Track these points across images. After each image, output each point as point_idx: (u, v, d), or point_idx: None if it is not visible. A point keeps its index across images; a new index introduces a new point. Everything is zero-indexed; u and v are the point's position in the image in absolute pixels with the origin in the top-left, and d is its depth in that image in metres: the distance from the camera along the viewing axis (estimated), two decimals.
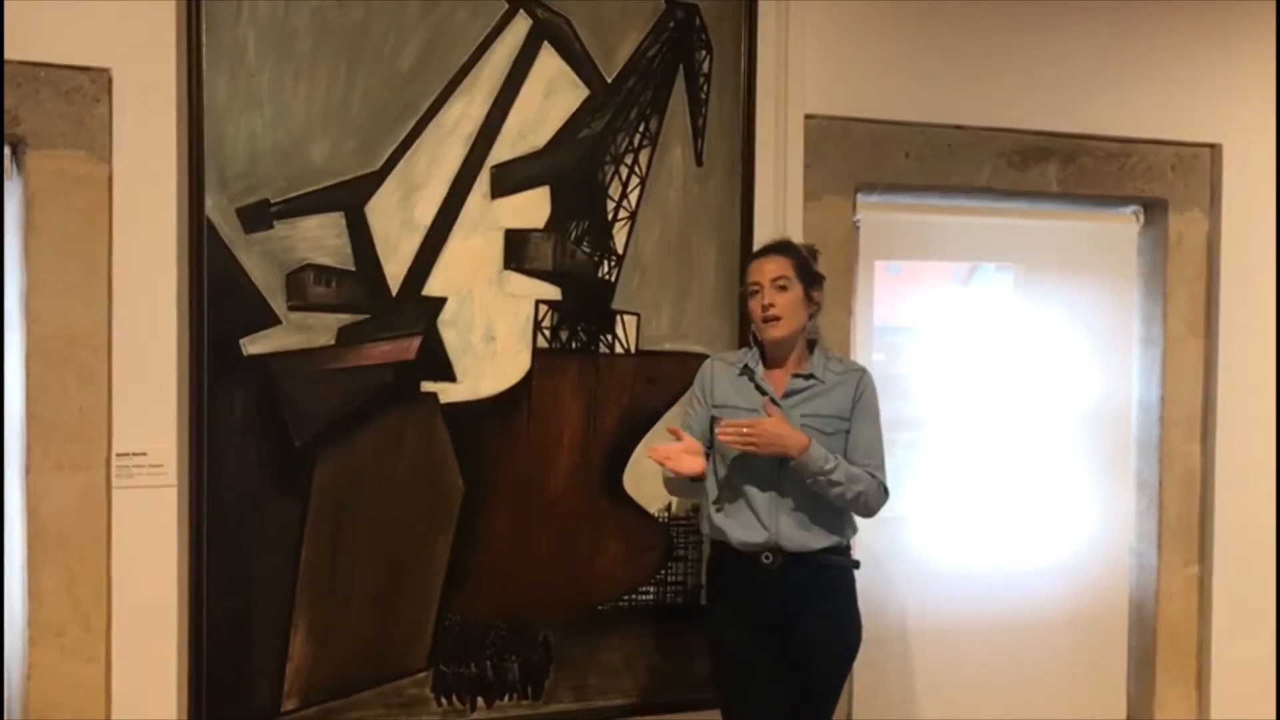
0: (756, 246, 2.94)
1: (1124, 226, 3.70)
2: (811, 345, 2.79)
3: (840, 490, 2.62)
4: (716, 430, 2.63)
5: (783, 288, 2.70)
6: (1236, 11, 3.62)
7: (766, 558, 2.67)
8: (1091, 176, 3.52)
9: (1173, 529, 3.66)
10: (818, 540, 2.68)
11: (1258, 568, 3.69)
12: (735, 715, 2.74)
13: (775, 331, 2.70)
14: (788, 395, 2.71)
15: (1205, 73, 3.60)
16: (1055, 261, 3.63)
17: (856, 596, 2.79)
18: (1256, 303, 3.66)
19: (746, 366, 2.76)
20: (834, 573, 2.73)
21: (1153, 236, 3.68)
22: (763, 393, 2.71)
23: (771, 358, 2.77)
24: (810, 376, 2.73)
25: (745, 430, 2.55)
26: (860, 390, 2.74)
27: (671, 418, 3.00)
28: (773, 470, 2.66)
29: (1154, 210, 3.66)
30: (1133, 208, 3.69)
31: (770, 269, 2.72)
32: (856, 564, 2.79)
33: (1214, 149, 3.64)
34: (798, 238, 2.98)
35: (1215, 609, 3.67)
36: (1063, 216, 3.61)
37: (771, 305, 2.69)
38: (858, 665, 3.28)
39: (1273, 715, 3.72)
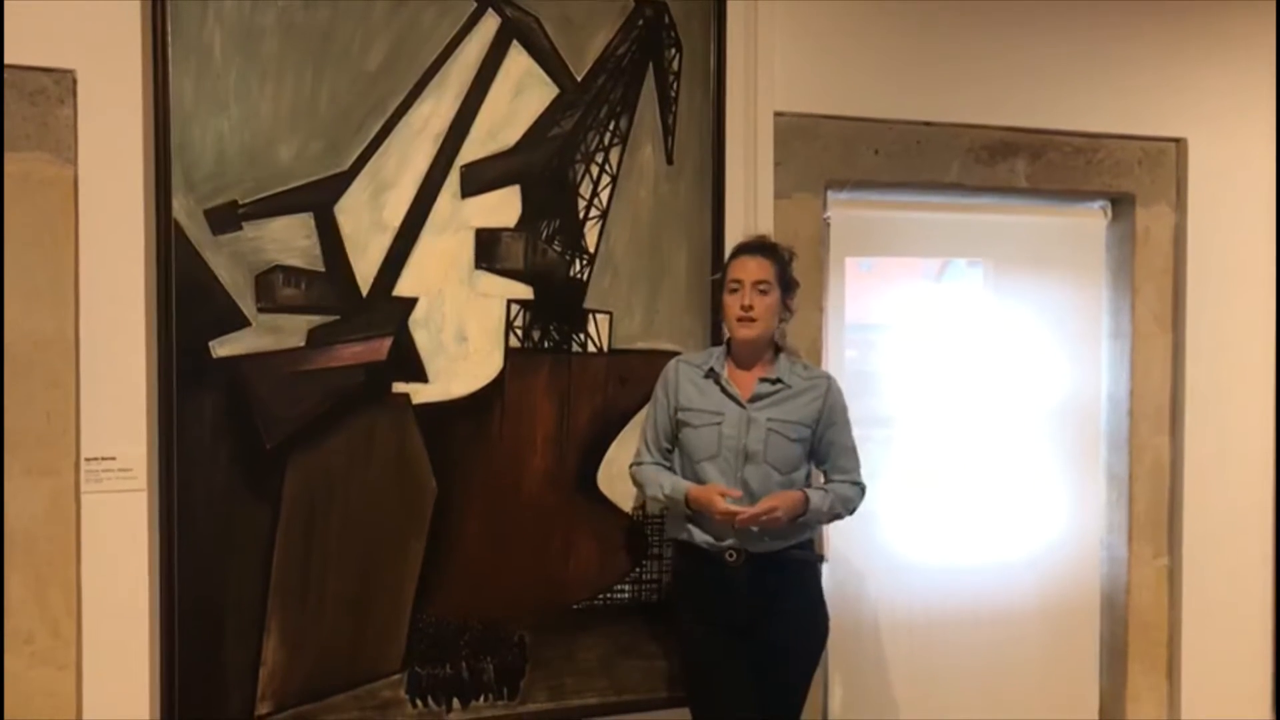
0: (731, 243, 2.94)
1: (1092, 221, 3.73)
2: (777, 349, 2.81)
3: (837, 514, 2.77)
4: (736, 523, 2.61)
5: (763, 291, 2.71)
6: (1200, 9, 3.65)
7: (730, 555, 2.68)
8: (1059, 172, 3.55)
9: (1142, 521, 3.69)
10: (781, 541, 2.70)
11: (1227, 558, 3.73)
12: (706, 716, 2.75)
13: (748, 332, 2.71)
14: (755, 399, 2.72)
15: (1170, 68, 3.63)
16: (1024, 256, 3.65)
17: (822, 591, 2.81)
18: (1223, 295, 3.70)
19: (712, 370, 2.76)
20: (799, 568, 2.75)
21: (1120, 231, 3.71)
22: (729, 396, 2.72)
23: (739, 358, 2.78)
24: (778, 381, 2.74)
25: (762, 510, 2.58)
26: (829, 399, 2.77)
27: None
28: (737, 473, 2.68)
29: (1121, 205, 3.70)
30: (1100, 202, 3.72)
31: (754, 269, 2.72)
32: (822, 558, 2.80)
33: (1179, 143, 3.67)
34: (768, 235, 2.98)
35: (1185, 600, 3.71)
36: (1031, 212, 3.64)
37: (751, 308, 2.70)
38: (833, 662, 3.31)
39: (1243, 705, 3.76)
